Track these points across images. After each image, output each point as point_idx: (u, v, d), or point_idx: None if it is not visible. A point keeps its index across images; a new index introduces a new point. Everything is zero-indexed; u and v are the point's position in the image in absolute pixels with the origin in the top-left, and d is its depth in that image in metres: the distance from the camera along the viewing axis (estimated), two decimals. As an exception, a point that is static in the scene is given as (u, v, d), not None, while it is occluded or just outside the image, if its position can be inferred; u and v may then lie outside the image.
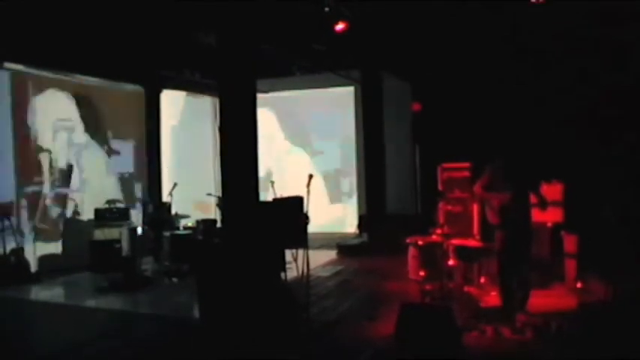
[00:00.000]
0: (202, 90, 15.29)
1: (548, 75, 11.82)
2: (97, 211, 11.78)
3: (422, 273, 8.05)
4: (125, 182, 13.51)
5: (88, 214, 11.99)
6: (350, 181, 16.11)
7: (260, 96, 8.96)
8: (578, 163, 10.60)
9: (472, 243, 8.40)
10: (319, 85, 15.76)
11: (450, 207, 10.28)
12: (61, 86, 12.16)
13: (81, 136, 12.56)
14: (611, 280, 7.75)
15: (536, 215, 7.89)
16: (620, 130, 11.01)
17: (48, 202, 11.77)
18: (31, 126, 11.48)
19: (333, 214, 16.22)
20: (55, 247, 11.63)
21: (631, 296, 7.44)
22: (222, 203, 8.91)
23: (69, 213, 12.06)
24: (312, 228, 7.83)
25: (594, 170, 10.64)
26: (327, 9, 10.24)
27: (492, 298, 7.68)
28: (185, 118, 15.74)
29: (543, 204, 7.31)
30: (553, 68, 11.75)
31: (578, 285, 8.24)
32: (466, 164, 10.41)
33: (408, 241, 8.41)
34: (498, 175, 7.29)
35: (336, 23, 10.95)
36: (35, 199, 11.53)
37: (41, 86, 11.74)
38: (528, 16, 10.69)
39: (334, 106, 16.29)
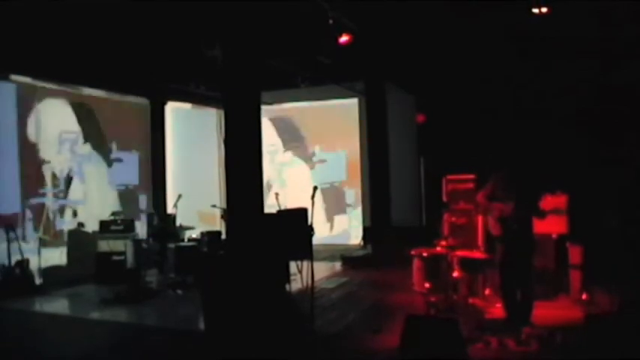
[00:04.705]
0: (207, 102, 15.34)
1: (552, 85, 11.86)
2: (101, 223, 11.81)
3: (427, 285, 8.03)
4: (130, 194, 13.55)
5: (92, 226, 12.01)
6: (354, 193, 16.10)
7: (264, 107, 9.01)
8: (582, 174, 10.60)
9: (477, 254, 8.40)
10: (323, 97, 15.80)
11: (454, 218, 10.27)
12: (67, 98, 12.23)
13: (86, 147, 12.62)
14: (616, 292, 7.73)
15: (541, 226, 7.89)
16: (624, 137, 11.03)
17: (52, 213, 11.81)
18: (36, 138, 11.55)
19: (338, 225, 16.22)
20: (60, 259, 11.63)
21: (636, 308, 7.41)
22: (227, 215, 8.92)
23: (73, 225, 12.08)
24: (316, 240, 7.84)
25: (599, 181, 10.63)
26: (331, 21, 10.29)
27: (497, 310, 7.65)
28: (190, 130, 15.79)
29: (540, 214, 7.29)
30: (558, 78, 11.78)
31: (584, 296, 8.21)
32: (471, 176, 10.40)
33: (412, 252, 8.39)
34: (502, 186, 7.30)
35: (340, 35, 11.01)
36: (40, 210, 11.57)
37: (46, 98, 11.81)
38: (533, 26, 10.72)
39: (338, 118, 16.32)
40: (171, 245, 10.91)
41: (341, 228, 16.16)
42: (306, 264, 9.10)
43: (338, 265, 12.68)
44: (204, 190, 15.16)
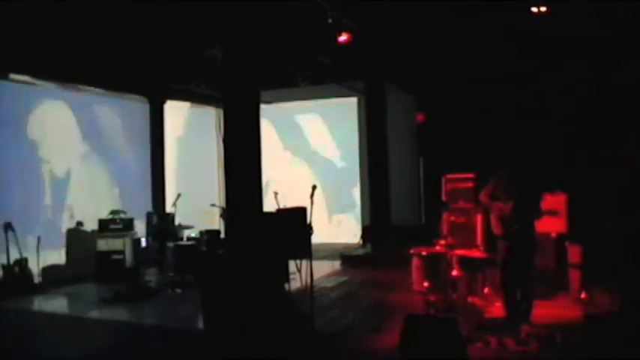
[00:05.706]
0: (206, 101, 15.33)
1: (552, 85, 11.86)
2: (100, 222, 11.80)
3: (426, 284, 8.03)
4: (129, 193, 13.53)
5: (91, 225, 12.00)
6: (354, 192, 16.09)
7: (264, 106, 9.01)
8: (582, 174, 10.61)
9: (476, 254, 8.38)
10: (323, 96, 15.79)
11: (453, 218, 10.26)
12: (66, 97, 12.21)
13: (85, 146, 12.60)
14: (616, 292, 7.73)
15: (541, 226, 7.89)
16: (624, 137, 11.05)
17: (51, 212, 11.79)
18: (35, 136, 11.53)
19: (337, 224, 16.20)
20: (59, 258, 11.62)
21: (636, 308, 7.41)
22: (226, 214, 8.91)
23: (72, 223, 12.07)
24: (315, 239, 7.83)
25: (599, 181, 10.64)
26: (330, 20, 10.28)
27: (496, 309, 7.65)
28: (189, 129, 15.79)
29: (538, 214, 7.29)
30: (558, 78, 11.79)
31: (583, 296, 8.21)
32: (470, 174, 10.39)
33: (411, 251, 8.38)
34: (502, 186, 7.31)
35: (340, 35, 11.00)
36: (39, 209, 11.55)
37: (46, 97, 11.79)
38: (533, 26, 10.73)
39: (338, 117, 16.32)
40: (171, 244, 10.90)
41: (340, 227, 16.15)
42: (305, 263, 9.11)
43: (337, 265, 12.68)
44: (204, 189, 15.15)
